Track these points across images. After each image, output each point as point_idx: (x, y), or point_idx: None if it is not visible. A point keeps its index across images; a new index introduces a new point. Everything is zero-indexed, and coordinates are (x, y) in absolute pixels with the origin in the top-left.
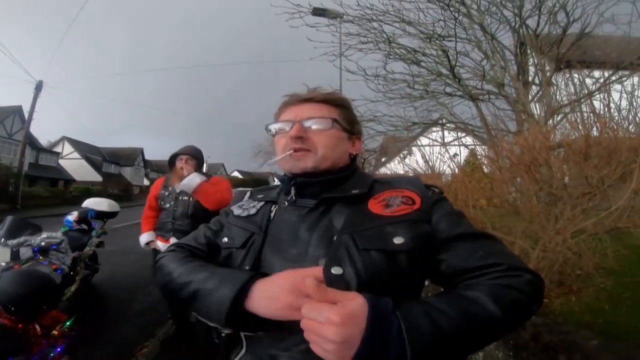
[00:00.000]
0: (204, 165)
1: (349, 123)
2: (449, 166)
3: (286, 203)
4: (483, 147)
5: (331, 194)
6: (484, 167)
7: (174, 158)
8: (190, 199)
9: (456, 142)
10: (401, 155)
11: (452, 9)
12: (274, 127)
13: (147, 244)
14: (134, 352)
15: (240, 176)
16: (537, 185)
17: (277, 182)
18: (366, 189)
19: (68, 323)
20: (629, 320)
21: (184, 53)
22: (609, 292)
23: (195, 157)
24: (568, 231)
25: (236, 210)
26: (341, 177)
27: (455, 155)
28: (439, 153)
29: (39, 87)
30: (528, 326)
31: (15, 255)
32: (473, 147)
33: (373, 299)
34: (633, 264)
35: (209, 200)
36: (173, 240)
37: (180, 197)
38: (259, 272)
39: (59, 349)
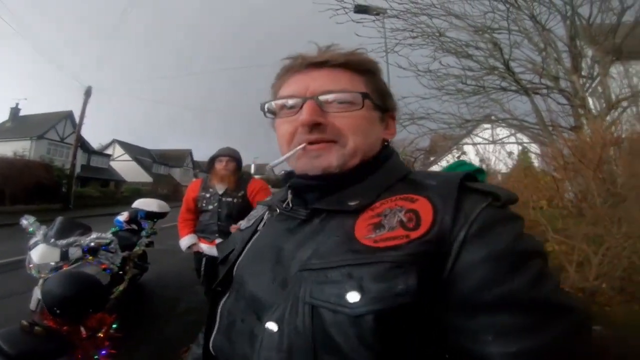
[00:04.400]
0: (252, 166)
1: (380, 96)
2: (504, 164)
3: (277, 210)
4: (537, 144)
5: (321, 204)
6: (540, 164)
7: (213, 160)
8: (235, 200)
9: (509, 139)
10: (455, 154)
11: None
12: (273, 105)
13: (189, 247)
14: (179, 352)
15: None
16: (603, 185)
17: None
18: (370, 199)
19: (114, 325)
20: None
21: (236, 54)
22: None
23: (235, 158)
24: (636, 234)
25: (243, 223)
26: (354, 179)
27: (511, 153)
28: (492, 151)
29: (88, 92)
30: (594, 338)
31: (64, 255)
32: (527, 144)
33: None
34: None
35: None
36: (219, 241)
37: (224, 199)
38: None
39: (103, 352)
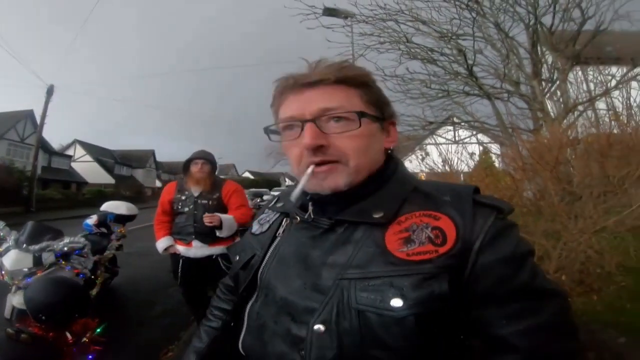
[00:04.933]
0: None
1: (377, 106)
2: (466, 165)
3: (298, 218)
4: (497, 145)
5: (345, 215)
6: (500, 165)
7: (188, 163)
8: (210, 202)
9: (470, 140)
10: (419, 156)
11: (464, 5)
12: (275, 128)
13: (166, 249)
14: (158, 355)
15: (251, 177)
16: (560, 185)
17: (288, 182)
18: (392, 211)
19: (99, 330)
20: None
21: (203, 54)
22: (630, 291)
23: (210, 161)
24: (590, 230)
25: (254, 227)
26: (369, 191)
27: (473, 154)
28: (455, 152)
29: (50, 91)
30: None
31: (38, 261)
32: (488, 145)
33: None
34: None
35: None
36: (195, 243)
37: (200, 201)
38: None
39: (90, 357)
